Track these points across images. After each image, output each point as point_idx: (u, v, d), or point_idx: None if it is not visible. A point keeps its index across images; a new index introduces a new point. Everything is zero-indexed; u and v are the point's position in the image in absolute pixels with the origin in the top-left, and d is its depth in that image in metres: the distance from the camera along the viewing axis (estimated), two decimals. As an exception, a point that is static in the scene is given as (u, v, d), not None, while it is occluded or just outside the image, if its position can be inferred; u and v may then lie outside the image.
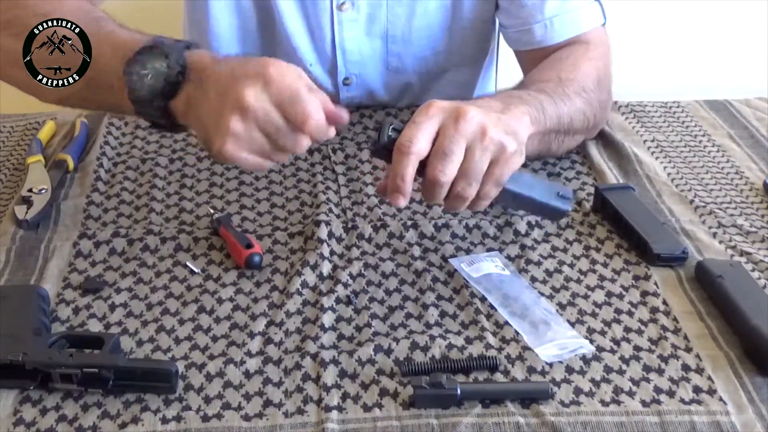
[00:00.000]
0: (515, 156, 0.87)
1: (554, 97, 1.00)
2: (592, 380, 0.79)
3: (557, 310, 0.87)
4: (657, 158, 1.14)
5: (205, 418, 0.75)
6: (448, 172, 0.84)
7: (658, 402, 0.76)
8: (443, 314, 0.87)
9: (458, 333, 0.84)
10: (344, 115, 0.84)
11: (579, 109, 1.05)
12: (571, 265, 0.94)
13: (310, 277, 0.91)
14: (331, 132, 0.83)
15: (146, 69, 0.83)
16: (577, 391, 0.77)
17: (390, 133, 0.84)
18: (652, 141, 1.19)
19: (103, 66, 0.88)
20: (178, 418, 0.75)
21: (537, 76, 1.07)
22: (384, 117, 0.86)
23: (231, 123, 0.80)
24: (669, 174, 1.11)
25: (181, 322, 0.86)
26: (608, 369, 0.80)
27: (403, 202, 0.84)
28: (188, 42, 0.86)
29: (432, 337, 0.83)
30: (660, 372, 0.80)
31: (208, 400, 0.77)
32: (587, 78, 1.07)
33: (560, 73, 1.06)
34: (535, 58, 1.15)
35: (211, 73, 0.83)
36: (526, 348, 0.82)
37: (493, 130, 0.85)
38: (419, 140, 0.83)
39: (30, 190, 1.02)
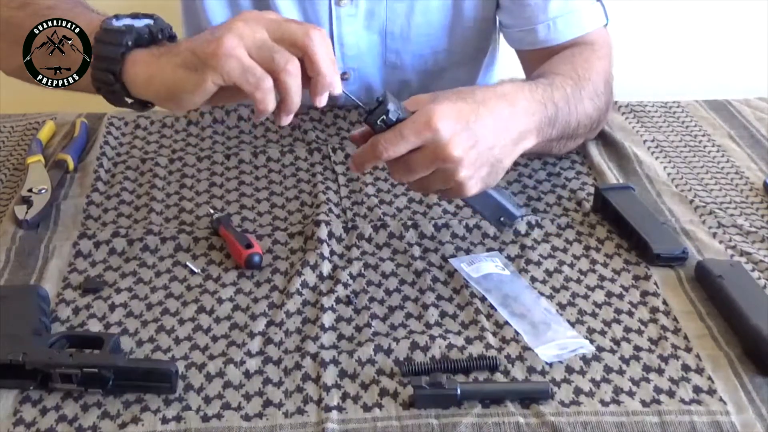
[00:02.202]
0: (468, 194, 0.88)
1: (570, 104, 1.00)
2: (592, 380, 0.79)
3: (557, 310, 0.87)
4: (657, 158, 1.14)
5: (205, 418, 0.75)
6: (405, 180, 0.87)
7: (658, 402, 0.76)
8: (443, 314, 0.87)
9: (458, 333, 0.84)
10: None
11: (588, 114, 1.04)
12: (571, 265, 0.94)
13: (310, 277, 0.91)
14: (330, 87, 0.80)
15: (124, 24, 0.82)
16: (577, 391, 0.77)
17: (379, 122, 0.83)
18: (652, 141, 1.19)
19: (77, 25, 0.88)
20: (178, 418, 0.75)
21: (555, 68, 1.05)
22: (386, 92, 0.83)
23: (234, 22, 0.76)
24: (669, 174, 1.11)
25: (181, 322, 0.86)
26: (608, 369, 0.80)
27: (356, 173, 0.94)
28: (175, 34, 0.86)
29: (432, 337, 0.83)
30: (660, 372, 0.80)
31: (208, 400, 0.77)
32: (600, 79, 1.07)
33: (576, 68, 1.05)
34: (538, 57, 1.15)
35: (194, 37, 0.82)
36: (526, 348, 0.82)
37: (464, 174, 0.85)
38: (394, 152, 0.83)
39: (30, 190, 1.02)
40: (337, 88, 0.80)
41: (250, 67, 0.76)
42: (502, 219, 0.94)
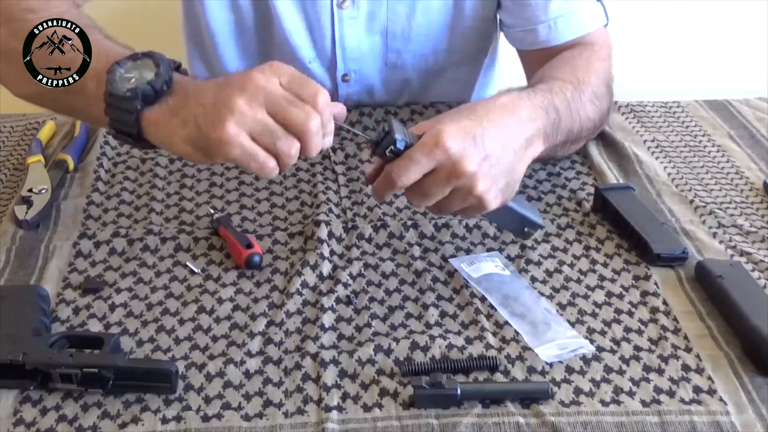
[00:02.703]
0: (493, 208, 0.88)
1: (572, 109, 1.00)
2: (592, 380, 0.79)
3: (557, 310, 0.87)
4: (657, 158, 1.14)
5: (205, 418, 0.75)
6: (423, 204, 0.87)
7: (658, 402, 0.76)
8: (443, 314, 0.87)
9: (458, 333, 0.84)
10: (341, 108, 0.84)
11: (590, 117, 1.04)
12: (571, 265, 0.94)
13: (310, 277, 0.91)
14: (330, 136, 0.81)
15: (131, 73, 0.81)
16: (577, 391, 0.77)
17: (388, 153, 0.83)
18: (652, 141, 1.19)
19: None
20: (178, 418, 0.75)
21: (555, 73, 1.05)
22: (390, 121, 0.84)
23: (236, 100, 0.75)
24: (669, 174, 1.11)
25: (181, 322, 0.86)
26: (608, 369, 0.80)
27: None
28: (179, 63, 0.84)
29: (432, 337, 0.83)
30: (660, 372, 0.80)
31: (208, 400, 0.77)
32: (600, 81, 1.07)
33: (577, 72, 1.05)
34: (539, 57, 1.14)
35: (200, 82, 0.81)
36: (526, 348, 0.82)
37: (481, 188, 0.85)
38: (408, 179, 0.83)
39: (30, 190, 1.02)
40: (327, 145, 0.81)
41: (254, 153, 0.77)
42: (526, 229, 0.94)
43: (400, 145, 0.83)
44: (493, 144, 0.86)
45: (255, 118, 0.76)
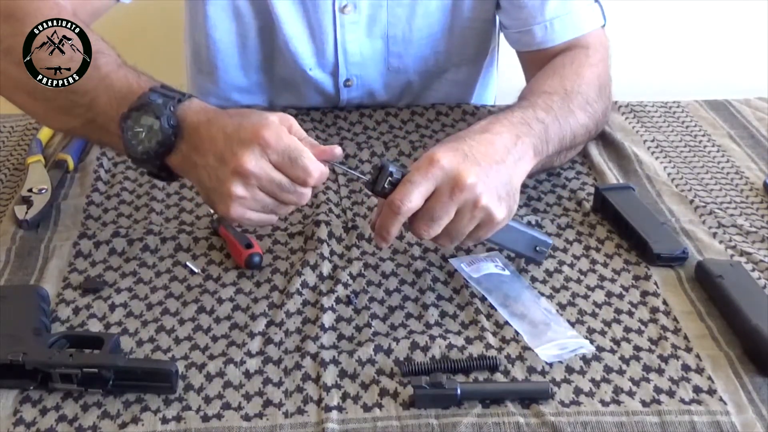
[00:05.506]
0: (502, 221, 0.87)
1: (560, 118, 1.00)
2: (592, 380, 0.79)
3: (557, 310, 0.87)
4: (657, 158, 1.14)
5: (205, 418, 0.75)
6: (432, 232, 0.85)
7: (658, 402, 0.76)
8: (443, 314, 0.87)
9: (458, 333, 0.84)
10: (337, 151, 0.86)
11: (582, 124, 1.04)
12: (571, 265, 0.94)
13: (310, 277, 0.91)
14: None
15: (140, 126, 0.83)
16: (577, 391, 0.77)
17: (386, 185, 0.83)
18: (652, 141, 1.19)
19: (101, 108, 0.88)
20: (178, 418, 0.75)
21: (542, 85, 1.06)
22: (383, 159, 0.84)
23: (233, 188, 0.80)
24: (669, 174, 1.11)
25: (181, 322, 0.86)
26: (608, 369, 0.80)
27: (385, 246, 0.92)
28: (180, 95, 0.85)
29: (432, 337, 0.83)
30: (660, 372, 0.80)
31: (208, 400, 0.77)
32: (590, 88, 1.07)
33: (564, 82, 1.05)
34: (536, 59, 1.15)
35: (205, 135, 0.82)
36: (526, 348, 0.82)
37: (486, 198, 0.84)
38: (411, 201, 0.83)
39: (30, 190, 1.02)
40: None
41: (259, 221, 0.85)
42: (537, 248, 0.93)
43: (398, 175, 0.83)
44: (484, 157, 0.87)
45: (254, 199, 0.82)
